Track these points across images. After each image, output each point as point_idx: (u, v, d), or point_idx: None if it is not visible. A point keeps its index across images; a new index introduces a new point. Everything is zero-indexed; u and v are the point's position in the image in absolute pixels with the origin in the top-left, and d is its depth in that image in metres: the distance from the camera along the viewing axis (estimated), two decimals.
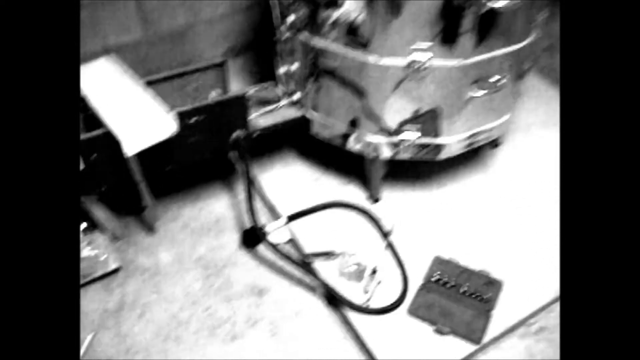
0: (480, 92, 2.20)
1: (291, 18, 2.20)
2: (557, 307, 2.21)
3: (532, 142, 2.88)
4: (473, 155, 2.73)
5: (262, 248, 2.39)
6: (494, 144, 2.74)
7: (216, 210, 2.56)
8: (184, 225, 2.50)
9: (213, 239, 2.45)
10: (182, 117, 2.07)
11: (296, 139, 2.80)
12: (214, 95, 2.41)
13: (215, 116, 2.18)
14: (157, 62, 2.98)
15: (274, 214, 2.46)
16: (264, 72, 3.04)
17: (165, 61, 3.00)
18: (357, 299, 2.17)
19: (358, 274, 2.25)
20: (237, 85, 2.78)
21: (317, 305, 2.22)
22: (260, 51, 3.32)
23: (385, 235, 2.39)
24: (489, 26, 2.03)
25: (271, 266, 2.34)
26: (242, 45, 3.31)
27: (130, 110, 2.05)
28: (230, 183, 2.68)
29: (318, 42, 2.17)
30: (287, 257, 2.23)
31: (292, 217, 2.45)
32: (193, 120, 2.13)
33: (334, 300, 2.18)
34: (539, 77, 3.24)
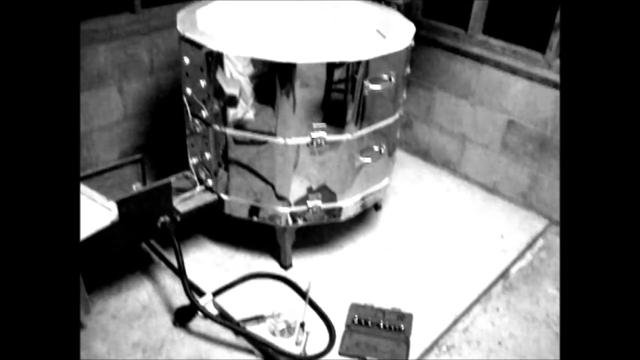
0: (367, 160, 2.67)
1: (204, 114, 2.53)
2: (458, 327, 2.65)
3: (404, 202, 3.43)
4: (362, 218, 3.18)
5: (194, 324, 2.57)
6: (377, 206, 3.23)
7: (141, 298, 2.70)
8: (112, 316, 2.60)
9: (145, 323, 2.57)
10: (120, 205, 2.26)
11: (208, 225, 3.06)
12: (135, 188, 2.62)
13: (145, 204, 2.40)
14: None
15: (199, 293, 2.66)
16: (164, 167, 3.31)
17: None
18: (293, 351, 2.42)
19: (288, 330, 2.51)
20: (150, 180, 2.98)
21: None
22: (155, 150, 3.58)
23: (304, 294, 2.69)
24: (368, 106, 2.53)
25: (207, 338, 2.52)
26: (134, 147, 3.54)
27: None
28: (148, 271, 2.84)
29: (228, 133, 2.52)
30: (226, 323, 2.44)
31: (217, 293, 2.67)
32: (125, 209, 2.32)
33: (273, 356, 2.40)
34: (400, 149, 3.86)
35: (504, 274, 3.01)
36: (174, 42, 3.36)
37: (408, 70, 2.76)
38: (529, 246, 3.21)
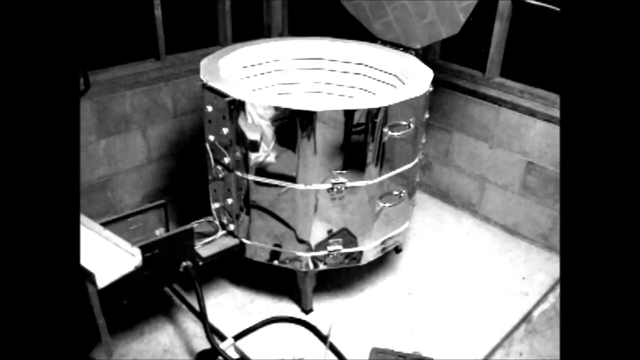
0: (387, 205, 2.69)
1: (226, 160, 2.58)
2: None
3: (424, 244, 3.43)
4: (383, 261, 3.19)
5: None
6: (397, 249, 3.24)
7: (163, 341, 2.71)
8: None
9: None
10: (144, 250, 2.30)
11: (229, 268, 3.08)
12: (158, 233, 2.67)
13: (168, 249, 2.44)
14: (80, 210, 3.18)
15: (220, 337, 2.67)
16: (186, 211, 3.36)
17: (88, 209, 3.20)
18: None
19: None
20: (172, 224, 3.03)
21: None
22: (178, 193, 3.64)
23: (324, 338, 2.69)
24: (388, 152, 2.57)
25: None
26: (157, 190, 3.61)
27: (97, 247, 2.25)
28: (170, 314, 2.86)
29: (251, 178, 2.56)
30: None
31: (238, 337, 2.68)
32: (148, 254, 2.36)
33: None
34: (419, 190, 3.88)
35: (527, 317, 2.98)
36: (197, 87, 3.45)
37: (427, 115, 2.80)
38: (552, 288, 3.18)
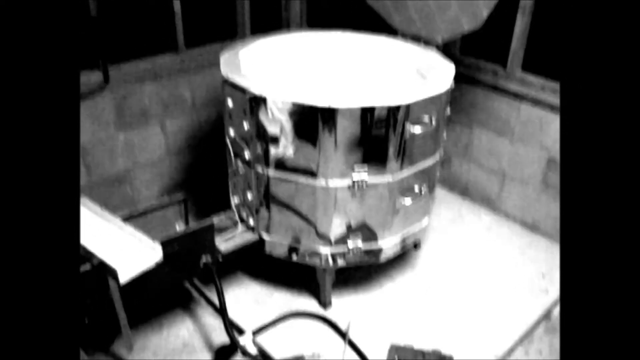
0: (408, 201, 2.67)
1: (246, 155, 2.57)
2: None
3: (443, 240, 3.41)
4: (401, 257, 3.17)
5: None
6: (416, 245, 3.21)
7: (182, 335, 2.73)
8: (153, 353, 2.63)
9: None
10: (164, 246, 2.30)
11: (248, 263, 3.09)
12: (178, 228, 2.67)
13: (188, 244, 2.44)
14: (99, 204, 3.19)
15: (239, 331, 2.68)
16: (205, 204, 3.37)
17: (107, 203, 3.21)
18: None
19: None
20: (190, 217, 3.04)
21: None
22: (196, 186, 3.65)
23: (343, 334, 2.68)
24: (409, 148, 2.54)
25: None
26: (175, 184, 3.62)
27: (119, 242, 2.26)
28: (189, 309, 2.87)
29: (271, 173, 2.56)
30: None
31: (257, 331, 2.68)
32: (169, 249, 2.36)
33: None
34: (438, 186, 3.85)
35: (547, 315, 2.95)
36: (215, 80, 3.44)
37: (448, 111, 2.77)
38: None
